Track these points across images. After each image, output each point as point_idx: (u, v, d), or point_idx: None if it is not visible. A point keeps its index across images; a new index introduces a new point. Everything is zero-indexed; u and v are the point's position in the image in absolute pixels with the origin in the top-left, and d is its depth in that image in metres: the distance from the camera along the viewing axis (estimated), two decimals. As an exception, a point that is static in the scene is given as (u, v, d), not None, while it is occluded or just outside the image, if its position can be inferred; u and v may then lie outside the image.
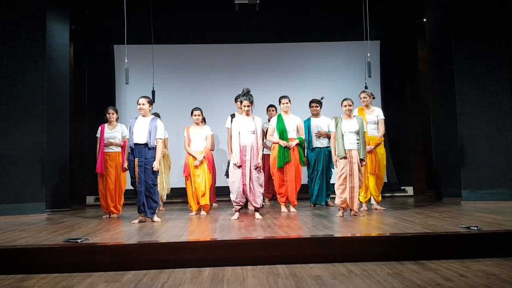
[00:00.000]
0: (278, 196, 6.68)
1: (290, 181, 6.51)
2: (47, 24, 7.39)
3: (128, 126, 5.84)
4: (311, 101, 7.29)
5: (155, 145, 5.71)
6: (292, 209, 6.52)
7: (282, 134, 6.57)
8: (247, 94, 5.89)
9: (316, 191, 7.09)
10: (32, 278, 3.60)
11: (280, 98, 6.84)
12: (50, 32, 7.75)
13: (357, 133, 5.72)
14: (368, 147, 6.31)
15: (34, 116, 6.92)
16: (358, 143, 5.71)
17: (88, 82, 9.60)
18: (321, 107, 7.26)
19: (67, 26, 8.40)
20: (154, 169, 5.67)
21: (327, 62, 9.89)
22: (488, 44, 7.14)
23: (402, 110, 9.99)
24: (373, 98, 6.69)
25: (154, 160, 5.68)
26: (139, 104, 5.80)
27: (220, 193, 8.43)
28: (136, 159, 5.64)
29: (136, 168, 5.63)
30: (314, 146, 7.13)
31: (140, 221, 5.70)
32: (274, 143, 6.64)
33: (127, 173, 6.52)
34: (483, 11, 7.20)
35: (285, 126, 6.60)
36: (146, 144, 5.66)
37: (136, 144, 5.66)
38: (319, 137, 7.10)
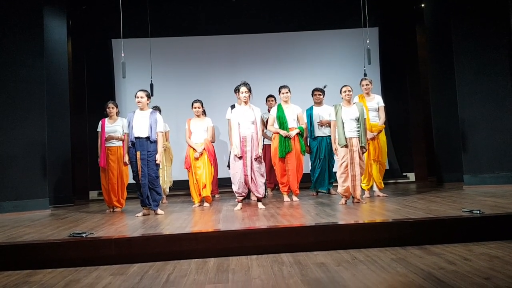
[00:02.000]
0: (280, 185, 6.70)
1: (291, 170, 6.52)
2: (44, 20, 7.37)
3: (127, 120, 5.83)
4: (314, 90, 7.28)
5: (157, 138, 5.73)
6: (294, 198, 6.54)
7: (282, 124, 6.57)
8: (245, 83, 5.91)
9: (316, 177, 7.10)
10: (38, 273, 3.63)
11: (280, 88, 6.82)
12: (48, 28, 7.73)
13: (358, 120, 5.72)
14: (370, 134, 6.33)
15: (34, 112, 6.92)
16: (358, 130, 5.71)
17: (87, 77, 9.60)
18: (324, 96, 7.25)
19: (64, 21, 8.37)
20: (157, 162, 5.70)
21: (326, 50, 9.87)
22: (487, 28, 7.10)
23: (402, 97, 9.98)
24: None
25: (156, 153, 5.70)
26: (137, 98, 5.80)
27: (223, 185, 8.45)
28: (138, 152, 5.65)
29: (139, 162, 5.64)
30: (316, 135, 7.12)
31: (144, 214, 5.72)
32: (274, 133, 6.65)
33: (129, 167, 6.55)
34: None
35: (285, 115, 6.60)
36: (148, 138, 5.68)
37: (137, 138, 5.67)
38: (321, 126, 7.09)
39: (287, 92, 6.71)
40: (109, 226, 4.88)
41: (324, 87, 7.30)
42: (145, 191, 5.66)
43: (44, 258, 3.83)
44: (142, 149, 5.66)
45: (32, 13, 7.07)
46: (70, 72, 8.88)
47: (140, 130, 5.70)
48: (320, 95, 7.22)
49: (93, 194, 9.27)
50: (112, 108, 6.65)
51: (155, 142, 5.72)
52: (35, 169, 6.86)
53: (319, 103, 7.23)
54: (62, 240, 4.00)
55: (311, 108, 7.23)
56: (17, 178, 6.68)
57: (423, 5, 9.06)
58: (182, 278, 3.26)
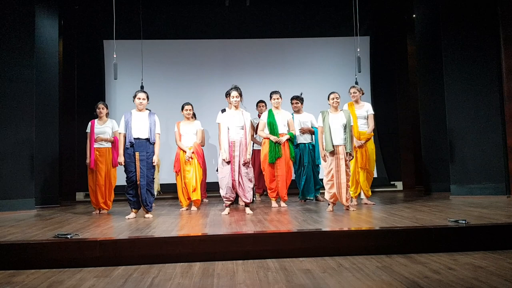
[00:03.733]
0: (268, 191, 6.70)
1: (281, 176, 6.53)
2: (36, 19, 7.33)
3: (124, 120, 5.74)
4: (292, 98, 7.32)
5: (155, 140, 5.75)
6: (282, 204, 6.54)
7: (273, 129, 6.58)
8: (236, 87, 5.91)
9: (302, 186, 7.10)
10: (21, 273, 3.59)
11: (271, 94, 6.84)
12: (39, 27, 7.69)
13: (344, 127, 5.74)
14: (359, 142, 6.36)
15: (23, 111, 6.86)
16: (345, 138, 5.73)
17: (78, 78, 9.55)
18: (302, 103, 7.28)
19: (56, 21, 8.33)
20: (154, 163, 5.72)
21: (318, 57, 9.92)
22: (477, 40, 7.19)
23: (391, 105, 10.05)
24: (362, 93, 6.73)
25: (154, 154, 5.73)
26: (139, 99, 5.77)
27: (211, 189, 8.43)
28: (137, 153, 5.63)
29: (137, 163, 5.62)
30: (298, 142, 7.12)
31: (134, 217, 5.69)
32: (264, 138, 6.65)
33: (118, 168, 6.52)
34: (471, 7, 7.24)
35: (276, 121, 6.61)
36: (147, 139, 5.69)
37: (136, 139, 5.65)
38: (303, 133, 7.10)
39: (278, 98, 6.73)
40: (95, 228, 4.84)
41: (301, 94, 7.34)
42: (143, 192, 5.65)
43: (28, 258, 3.79)
44: (141, 150, 5.66)
45: (24, 11, 7.03)
46: (60, 72, 8.83)
47: (140, 131, 5.69)
48: (297, 103, 7.26)
49: (79, 196, 9.20)
50: (102, 109, 6.62)
51: (154, 143, 5.73)
52: (22, 169, 6.79)
53: (297, 111, 7.25)
54: (47, 241, 3.96)
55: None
56: (3, 177, 6.62)
57: (414, 15, 9.15)
58: (167, 282, 3.24)
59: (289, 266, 3.58)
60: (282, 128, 6.63)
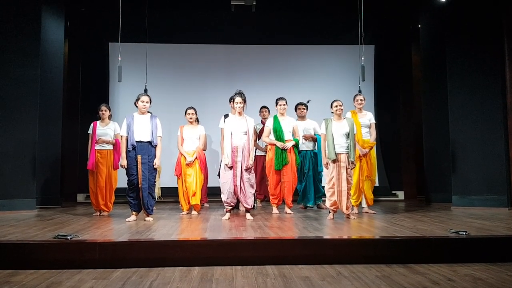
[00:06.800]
0: (271, 197, 6.65)
1: (287, 182, 6.50)
2: (42, 20, 7.36)
3: (126, 123, 5.74)
4: (298, 104, 7.31)
5: (157, 143, 5.76)
6: (288, 210, 6.51)
7: (279, 135, 6.56)
8: (240, 92, 5.91)
9: (301, 192, 7.07)
10: (20, 273, 3.59)
11: (277, 100, 6.81)
12: (45, 28, 7.72)
13: (347, 135, 5.73)
14: (363, 151, 6.35)
15: (26, 112, 6.88)
16: (347, 146, 5.72)
17: (82, 79, 9.57)
18: (307, 110, 7.28)
19: (62, 22, 8.37)
20: (155, 166, 5.72)
21: (322, 65, 9.92)
22: (481, 52, 7.19)
23: (394, 115, 10.03)
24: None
25: (155, 157, 5.73)
26: (142, 102, 5.77)
27: (212, 194, 8.42)
28: (139, 156, 5.64)
29: (139, 166, 5.62)
30: (300, 149, 7.10)
31: (134, 220, 5.68)
32: (270, 144, 6.63)
33: (118, 170, 6.52)
34: (476, 18, 7.25)
35: (282, 127, 6.59)
36: (150, 142, 5.69)
37: (138, 142, 5.65)
38: (305, 140, 7.08)
39: (284, 104, 6.72)
40: (95, 230, 4.84)
41: (308, 101, 7.34)
42: (145, 196, 5.66)
43: (27, 258, 3.79)
44: (143, 153, 5.66)
45: (30, 12, 7.06)
46: (65, 73, 8.87)
47: (142, 134, 5.69)
48: (304, 109, 7.24)
49: (80, 197, 9.19)
50: (105, 111, 6.63)
51: (156, 146, 5.75)
52: (24, 169, 6.81)
53: (302, 117, 7.24)
54: (46, 241, 3.97)
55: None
56: (5, 177, 6.63)
57: (419, 26, 9.16)
58: (165, 285, 3.23)
59: (288, 273, 3.57)
60: (287, 135, 6.61)
